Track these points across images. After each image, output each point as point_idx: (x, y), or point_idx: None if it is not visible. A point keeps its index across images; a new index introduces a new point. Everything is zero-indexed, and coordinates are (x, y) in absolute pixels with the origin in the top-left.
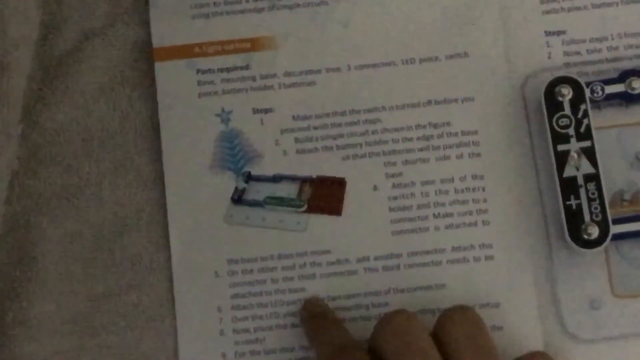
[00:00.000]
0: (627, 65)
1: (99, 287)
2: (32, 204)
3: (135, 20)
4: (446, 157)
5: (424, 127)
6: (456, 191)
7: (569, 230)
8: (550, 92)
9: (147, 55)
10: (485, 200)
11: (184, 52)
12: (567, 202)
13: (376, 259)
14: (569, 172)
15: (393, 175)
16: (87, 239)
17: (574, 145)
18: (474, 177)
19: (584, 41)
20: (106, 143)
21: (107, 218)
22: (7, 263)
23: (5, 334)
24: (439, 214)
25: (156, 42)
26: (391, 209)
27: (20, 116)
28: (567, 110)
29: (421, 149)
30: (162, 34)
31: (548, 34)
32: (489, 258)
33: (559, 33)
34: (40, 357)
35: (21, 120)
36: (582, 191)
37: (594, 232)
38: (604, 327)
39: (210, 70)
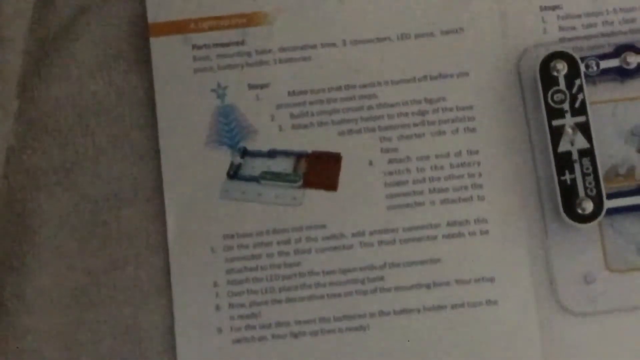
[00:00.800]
0: (622, 40)
1: (96, 262)
2: (28, 179)
3: None
4: (441, 132)
5: (419, 102)
6: (451, 166)
7: (563, 205)
8: (545, 67)
9: (142, 30)
10: (480, 175)
11: (180, 27)
12: (562, 177)
13: (371, 233)
14: (563, 147)
15: (388, 151)
16: (84, 213)
17: (568, 120)
18: (469, 152)
19: (579, 16)
20: (102, 118)
21: (104, 193)
22: (4, 237)
23: (3, 308)
24: (434, 188)
25: (151, 17)
26: (387, 184)
27: (16, 92)
28: (562, 85)
29: (416, 124)
30: (158, 9)
31: (543, 8)
32: (484, 233)
33: (554, 8)
34: (37, 330)
35: (17, 95)
36: (577, 166)
37: (589, 206)
38: (598, 301)
39: (205, 46)
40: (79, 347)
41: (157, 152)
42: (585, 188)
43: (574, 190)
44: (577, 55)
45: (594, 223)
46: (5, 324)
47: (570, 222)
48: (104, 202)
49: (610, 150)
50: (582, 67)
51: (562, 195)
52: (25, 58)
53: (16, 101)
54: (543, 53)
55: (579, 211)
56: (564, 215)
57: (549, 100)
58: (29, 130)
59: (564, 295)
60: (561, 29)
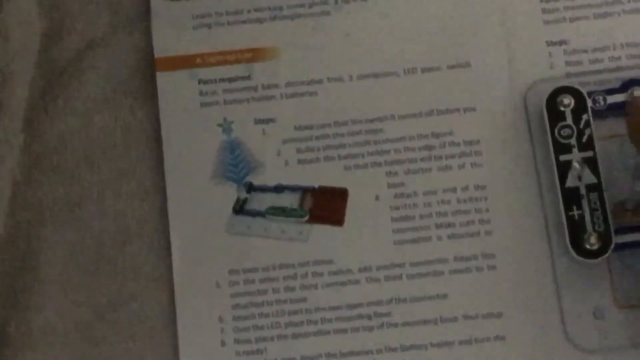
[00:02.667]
0: (629, 75)
1: (101, 297)
2: (34, 213)
3: (137, 30)
4: (448, 167)
5: (426, 137)
6: (458, 201)
7: (571, 240)
8: (552, 102)
9: (149, 65)
10: (487, 210)
11: (186, 62)
12: (570, 213)
13: (378, 268)
14: (571, 182)
15: (395, 185)
16: (89, 248)
17: (576, 156)
18: (476, 187)
19: (586, 51)
20: (108, 152)
21: (109, 228)
22: (9, 273)
23: (7, 343)
24: (441, 223)
25: (158, 52)
26: (393, 219)
27: (22, 125)
28: (569, 120)
29: (423, 159)
30: (164, 44)
31: (550, 44)
32: (491, 268)
33: (560, 43)
34: None
35: (23, 129)
36: (584, 201)
37: (596, 242)
38: (607, 337)
39: (212, 81)
40: None
41: (163, 187)
42: (593, 223)
43: (581, 225)
44: (584, 90)
45: (602, 259)
46: None
47: (578, 257)
48: (109, 237)
49: (618, 185)
50: (589, 102)
51: (570, 231)
52: (31, 92)
53: (22, 135)
54: (550, 88)
55: (587, 247)
56: (571, 250)
57: (556, 135)
58: (35, 165)
59: (572, 331)
60: (568, 64)
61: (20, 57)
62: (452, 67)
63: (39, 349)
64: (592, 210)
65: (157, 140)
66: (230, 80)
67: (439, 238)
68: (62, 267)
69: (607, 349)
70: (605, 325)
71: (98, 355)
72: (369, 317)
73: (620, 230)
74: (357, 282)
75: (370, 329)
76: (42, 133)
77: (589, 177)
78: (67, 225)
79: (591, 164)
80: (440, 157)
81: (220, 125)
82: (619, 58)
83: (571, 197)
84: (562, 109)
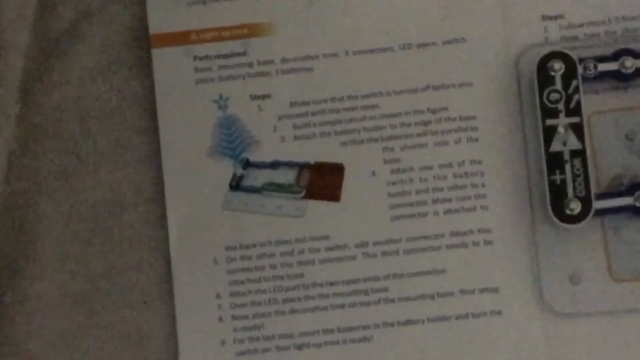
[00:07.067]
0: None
1: (98, 267)
2: (30, 183)
3: (132, 2)
4: (444, 143)
5: (422, 112)
6: (455, 176)
7: (551, 205)
8: (543, 66)
9: (143, 36)
10: (483, 185)
11: (181, 38)
12: (552, 177)
13: (375, 244)
14: (555, 146)
15: (391, 161)
16: (86, 218)
17: (562, 120)
18: (472, 162)
19: (581, 25)
20: (104, 122)
21: (105, 198)
22: (5, 243)
23: (3, 313)
24: (437, 199)
25: (153, 28)
26: (390, 195)
27: (17, 96)
28: (558, 85)
29: (419, 135)
30: (159, 21)
31: (546, 18)
32: (487, 243)
33: (556, 17)
34: (38, 336)
35: (19, 100)
36: (568, 166)
37: (577, 207)
38: (585, 303)
39: (207, 57)
40: (81, 352)
41: (159, 157)
42: (575, 189)
43: (563, 190)
44: (574, 55)
45: (583, 224)
46: (7, 330)
47: (558, 222)
48: (105, 207)
49: (613, 159)
50: (580, 69)
51: (551, 195)
52: (26, 62)
53: (18, 106)
54: (542, 53)
55: (567, 212)
56: (552, 215)
57: (544, 100)
58: (31, 135)
59: (548, 297)
60: (563, 38)
61: (15, 27)
62: (447, 42)
63: (36, 318)
64: (575, 176)
65: (153, 110)
66: (226, 56)
67: (436, 213)
68: (58, 237)
69: (584, 315)
70: (597, 296)
71: (94, 324)
72: (366, 293)
73: (601, 196)
74: (353, 257)
75: (367, 304)
76: (37, 103)
77: (574, 143)
78: (63, 195)
79: (577, 129)
80: (436, 133)
81: (216, 101)
82: (614, 32)
83: (554, 162)
84: (552, 73)
